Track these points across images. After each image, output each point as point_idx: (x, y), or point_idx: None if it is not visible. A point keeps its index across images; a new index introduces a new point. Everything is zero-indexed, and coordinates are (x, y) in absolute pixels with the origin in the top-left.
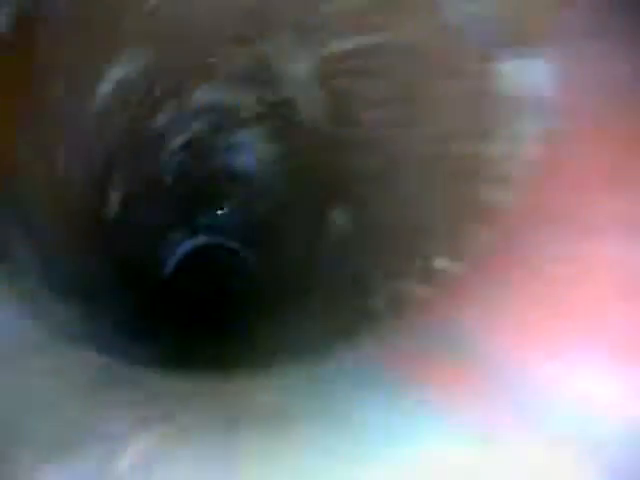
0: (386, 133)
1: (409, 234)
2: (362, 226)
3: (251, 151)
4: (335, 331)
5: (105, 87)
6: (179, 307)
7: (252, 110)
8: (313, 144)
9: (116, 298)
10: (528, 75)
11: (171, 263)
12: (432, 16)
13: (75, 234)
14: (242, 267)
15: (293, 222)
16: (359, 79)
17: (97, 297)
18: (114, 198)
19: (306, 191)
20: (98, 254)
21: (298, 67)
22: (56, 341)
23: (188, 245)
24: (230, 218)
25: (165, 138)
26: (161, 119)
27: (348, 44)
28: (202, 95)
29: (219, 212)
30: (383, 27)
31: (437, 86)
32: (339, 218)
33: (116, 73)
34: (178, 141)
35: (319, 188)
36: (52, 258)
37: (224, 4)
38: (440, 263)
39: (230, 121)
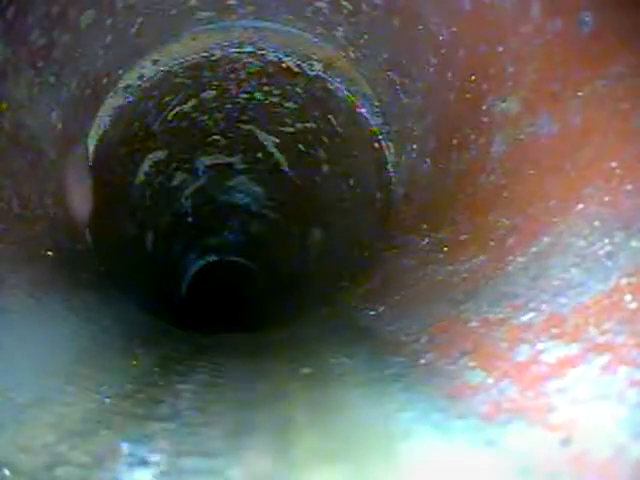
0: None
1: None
2: (330, 239)
3: (244, 191)
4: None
5: (144, 166)
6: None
7: (242, 164)
8: (288, 185)
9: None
10: None
11: (189, 275)
12: None
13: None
14: (245, 275)
15: (283, 238)
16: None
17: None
18: (149, 237)
19: (290, 216)
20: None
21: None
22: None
23: (202, 262)
24: (232, 239)
25: (181, 189)
26: (178, 178)
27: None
28: (205, 161)
29: (224, 235)
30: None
31: None
32: (315, 234)
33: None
34: (190, 190)
35: (300, 213)
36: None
37: None
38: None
39: (227, 173)
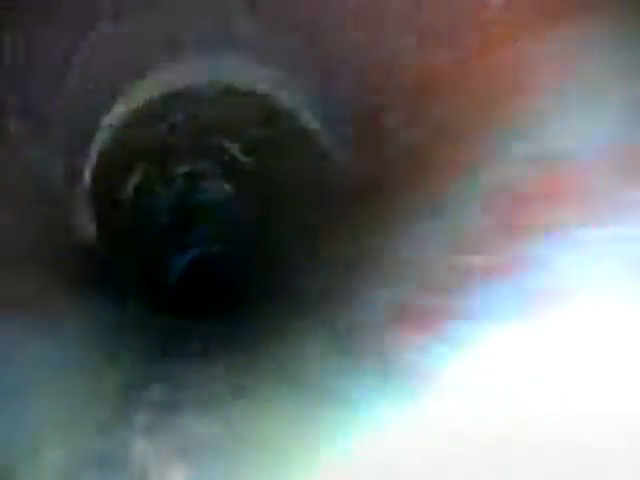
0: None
1: None
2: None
3: (216, 190)
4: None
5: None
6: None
7: (214, 169)
8: (255, 181)
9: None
10: None
11: (176, 268)
12: None
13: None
14: (227, 266)
15: (262, 230)
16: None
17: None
18: (144, 243)
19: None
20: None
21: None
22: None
23: (187, 255)
24: (214, 233)
25: (164, 196)
26: (161, 187)
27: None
28: (179, 169)
29: (206, 230)
30: None
31: None
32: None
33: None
34: (171, 196)
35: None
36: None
37: None
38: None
39: (202, 177)
